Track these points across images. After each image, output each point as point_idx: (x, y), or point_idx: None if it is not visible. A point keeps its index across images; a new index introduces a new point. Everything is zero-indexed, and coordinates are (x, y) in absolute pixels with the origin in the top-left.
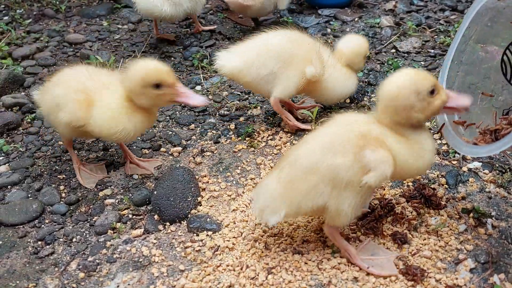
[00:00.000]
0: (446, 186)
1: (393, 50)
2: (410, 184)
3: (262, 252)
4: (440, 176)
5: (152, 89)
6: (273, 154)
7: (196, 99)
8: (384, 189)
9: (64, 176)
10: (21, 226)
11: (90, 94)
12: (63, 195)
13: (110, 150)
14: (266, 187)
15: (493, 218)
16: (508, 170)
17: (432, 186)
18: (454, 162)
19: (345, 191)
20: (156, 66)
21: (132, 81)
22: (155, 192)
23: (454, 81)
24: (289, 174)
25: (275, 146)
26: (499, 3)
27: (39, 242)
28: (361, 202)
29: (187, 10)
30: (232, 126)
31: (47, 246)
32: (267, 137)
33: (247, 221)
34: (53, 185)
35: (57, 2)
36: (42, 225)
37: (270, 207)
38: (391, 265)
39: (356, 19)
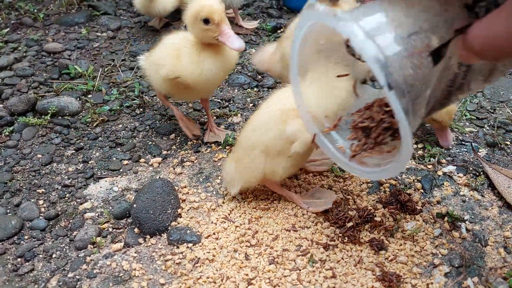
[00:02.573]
0: (422, 190)
1: None
2: (387, 190)
3: (242, 263)
4: (415, 180)
5: (202, 23)
6: None
7: (234, 43)
8: (362, 197)
9: (43, 190)
10: (0, 243)
11: (180, 51)
12: (43, 209)
13: (89, 162)
14: (227, 166)
15: (467, 221)
16: (481, 173)
17: (408, 191)
18: (430, 166)
19: (278, 158)
20: (209, 3)
21: (188, 15)
22: (134, 205)
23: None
24: (238, 153)
25: None
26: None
27: (19, 259)
28: (296, 163)
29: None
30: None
31: (27, 263)
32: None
33: (227, 231)
34: (32, 200)
35: (35, 10)
36: (22, 242)
37: (230, 182)
38: (329, 202)
39: None
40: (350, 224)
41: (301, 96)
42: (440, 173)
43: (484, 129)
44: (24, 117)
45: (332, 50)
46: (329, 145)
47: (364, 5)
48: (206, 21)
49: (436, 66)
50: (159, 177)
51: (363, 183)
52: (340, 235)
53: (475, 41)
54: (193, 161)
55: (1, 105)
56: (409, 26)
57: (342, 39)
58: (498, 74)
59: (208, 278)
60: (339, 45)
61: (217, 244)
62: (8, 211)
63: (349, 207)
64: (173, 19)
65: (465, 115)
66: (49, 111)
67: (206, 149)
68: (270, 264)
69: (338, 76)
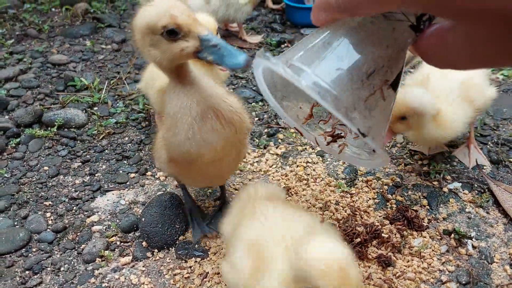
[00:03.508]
0: (428, 207)
1: None
2: (394, 206)
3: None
4: (421, 197)
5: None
6: (259, 177)
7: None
8: (369, 213)
9: (50, 202)
10: (8, 256)
11: None
12: (50, 222)
13: (96, 175)
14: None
15: (473, 238)
16: (486, 190)
17: (414, 207)
18: (435, 183)
19: None
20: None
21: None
22: (143, 219)
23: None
24: None
25: (260, 170)
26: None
27: (27, 272)
28: None
29: (225, 17)
30: None
31: (35, 276)
32: (253, 159)
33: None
34: (40, 212)
35: (40, 22)
36: (30, 254)
37: None
38: None
39: None
40: (358, 240)
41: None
42: (445, 189)
43: (488, 146)
44: (30, 128)
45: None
46: (311, 132)
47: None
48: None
49: (396, 90)
50: (167, 191)
51: (370, 199)
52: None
53: (424, 55)
54: None
55: (7, 117)
56: (366, 68)
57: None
58: None
59: None
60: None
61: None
62: (15, 223)
63: (356, 223)
64: None
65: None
66: (55, 123)
67: None
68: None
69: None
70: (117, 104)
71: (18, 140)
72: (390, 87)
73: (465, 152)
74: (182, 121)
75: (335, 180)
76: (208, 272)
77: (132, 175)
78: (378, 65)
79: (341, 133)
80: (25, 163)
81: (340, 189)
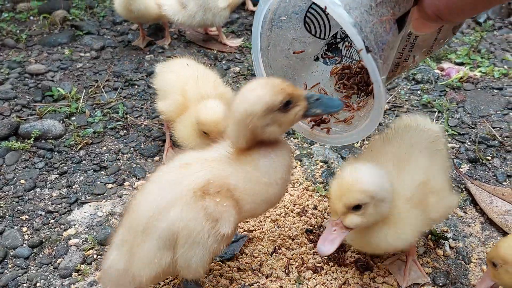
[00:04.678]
0: None
1: None
2: None
3: (227, 287)
4: None
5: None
6: None
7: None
8: None
9: (27, 216)
10: None
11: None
12: (26, 237)
13: (73, 186)
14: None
15: (450, 239)
16: (463, 189)
17: None
18: None
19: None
20: (207, 119)
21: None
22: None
23: (267, 55)
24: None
25: None
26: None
27: None
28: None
29: (203, 22)
30: None
31: None
32: None
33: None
34: (16, 227)
35: (18, 31)
36: (5, 270)
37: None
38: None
39: None
40: None
41: (262, 70)
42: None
43: (466, 145)
44: (7, 141)
45: (291, 29)
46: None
47: None
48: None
49: (400, 32)
50: None
51: None
52: (326, 257)
53: (429, 7)
54: None
55: None
56: None
57: (300, 18)
58: (438, 45)
59: None
60: (298, 22)
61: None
62: None
63: None
64: (156, 38)
65: (447, 131)
66: (32, 134)
67: None
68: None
69: (294, 53)
70: (95, 113)
71: None
72: (395, 22)
73: (399, 266)
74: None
75: (313, 185)
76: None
77: (110, 185)
78: None
79: (324, 118)
80: (1, 176)
81: (318, 193)
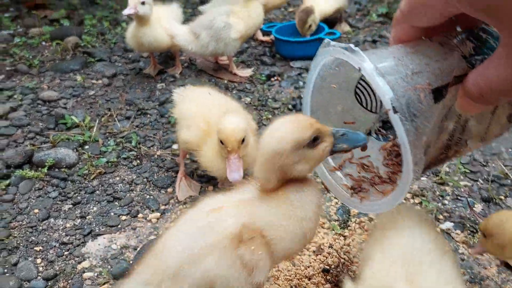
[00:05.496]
0: None
1: None
2: None
3: None
4: None
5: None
6: None
7: (233, 174)
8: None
9: (41, 247)
10: None
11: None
12: (40, 269)
13: (87, 217)
14: None
15: (467, 282)
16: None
17: None
18: None
19: None
20: (228, 128)
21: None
22: (135, 266)
23: (317, 118)
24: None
25: None
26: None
27: None
28: None
29: (214, 51)
30: (210, 187)
31: None
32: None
33: None
34: (30, 259)
35: (30, 57)
36: None
37: None
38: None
39: None
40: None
41: None
42: (438, 230)
43: (479, 183)
44: (21, 169)
45: (341, 97)
46: (334, 183)
47: (373, 50)
48: (221, 142)
49: (436, 104)
50: (158, 235)
51: (363, 241)
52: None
53: (472, 86)
54: None
55: None
56: (413, 67)
57: (352, 86)
58: (493, 133)
59: None
60: (349, 92)
61: None
62: (5, 270)
63: (348, 267)
64: (167, 66)
65: (460, 168)
66: (46, 163)
67: None
68: None
69: (345, 123)
70: (108, 142)
71: (8, 181)
72: (431, 92)
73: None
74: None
75: (328, 222)
76: None
77: (123, 217)
78: (424, 69)
79: (364, 188)
80: (15, 205)
81: (333, 231)
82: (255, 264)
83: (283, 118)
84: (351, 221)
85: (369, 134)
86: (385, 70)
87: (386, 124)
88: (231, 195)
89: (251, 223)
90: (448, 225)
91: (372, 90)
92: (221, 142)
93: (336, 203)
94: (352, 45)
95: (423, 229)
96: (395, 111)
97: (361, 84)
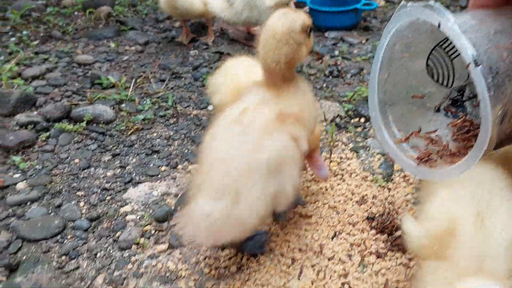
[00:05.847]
0: None
1: None
2: None
3: (288, 267)
4: None
5: None
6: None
7: (323, 171)
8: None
9: (83, 193)
10: (44, 241)
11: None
12: (84, 211)
13: (127, 167)
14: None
15: None
16: None
17: None
18: None
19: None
20: None
21: None
22: (178, 207)
23: (384, 89)
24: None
25: None
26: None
27: (63, 257)
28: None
29: (248, 20)
30: None
31: (72, 261)
32: None
33: (272, 236)
34: (73, 202)
35: (64, 25)
36: (65, 241)
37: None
38: None
39: (363, 41)
40: (399, 232)
41: (376, 104)
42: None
43: None
44: (60, 123)
45: (412, 69)
46: (400, 153)
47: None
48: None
49: None
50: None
51: (408, 194)
52: (389, 243)
53: None
54: None
55: (36, 112)
56: (496, 27)
57: (424, 57)
58: None
59: (256, 280)
60: (420, 64)
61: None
62: (49, 211)
63: (395, 216)
64: (199, 35)
65: None
66: (84, 118)
67: None
68: (317, 272)
69: (413, 97)
70: (144, 102)
71: (48, 134)
72: None
73: None
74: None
75: (371, 175)
76: (245, 261)
77: (163, 168)
78: (507, 29)
79: (430, 155)
80: (55, 155)
81: (377, 184)
82: (299, 136)
83: (280, 10)
84: (395, 175)
85: (438, 110)
86: (466, 28)
87: (456, 102)
88: (245, 103)
89: (283, 110)
90: None
91: (446, 63)
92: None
93: (379, 158)
94: (431, 2)
95: (493, 168)
96: (477, 64)
97: (434, 56)
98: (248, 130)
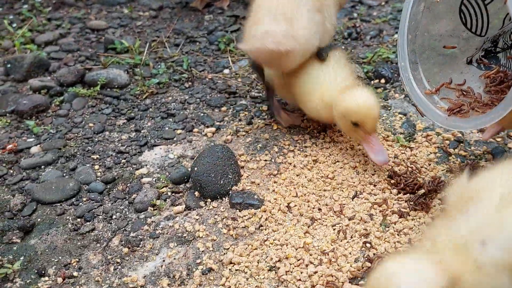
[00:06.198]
0: (494, 162)
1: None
2: (457, 160)
3: (309, 226)
4: (486, 152)
5: (350, 123)
6: (311, 134)
7: (379, 156)
8: (429, 167)
9: (98, 156)
10: (59, 204)
11: None
12: (99, 174)
13: (142, 131)
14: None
15: None
16: None
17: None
18: (499, 139)
19: None
20: (364, 108)
21: (339, 111)
22: (195, 168)
23: (415, 40)
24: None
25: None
26: None
27: (78, 219)
28: None
29: None
30: (265, 107)
31: (87, 223)
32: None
33: (290, 196)
34: (88, 165)
35: None
36: (80, 203)
37: None
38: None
39: (382, 3)
40: (422, 191)
41: (406, 53)
42: (510, 145)
43: None
44: (73, 87)
45: (443, 17)
46: (430, 105)
47: None
48: (356, 124)
49: None
50: (217, 144)
51: (431, 153)
52: (412, 202)
53: None
54: (248, 132)
55: (49, 77)
56: None
57: (456, 6)
58: None
59: (274, 240)
60: (452, 11)
61: (280, 208)
62: (64, 174)
63: (418, 175)
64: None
65: None
66: (98, 82)
67: (260, 120)
68: (338, 231)
69: (445, 47)
70: (159, 66)
71: (61, 98)
72: None
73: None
74: None
75: (392, 135)
76: (263, 221)
77: (179, 131)
78: None
79: (462, 106)
80: (69, 120)
81: (399, 144)
82: None
83: None
84: (417, 134)
85: (469, 62)
86: None
87: (489, 54)
88: None
89: None
90: None
91: (480, 10)
92: (355, 124)
93: (401, 118)
94: None
95: None
96: None
97: (468, 2)
98: None
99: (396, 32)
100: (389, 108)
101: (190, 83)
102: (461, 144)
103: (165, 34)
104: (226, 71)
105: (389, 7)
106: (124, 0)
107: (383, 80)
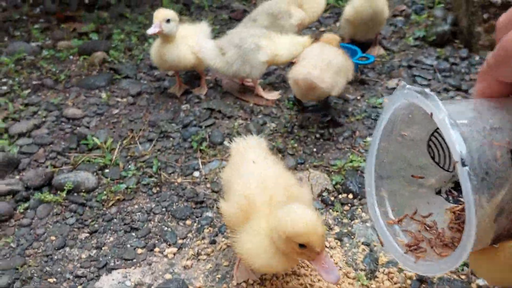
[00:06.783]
0: None
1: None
2: None
3: None
4: None
5: (296, 246)
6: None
7: (332, 275)
8: None
9: (55, 279)
10: None
11: None
12: None
13: (103, 248)
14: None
15: None
16: None
17: None
18: (463, 277)
19: None
20: (312, 228)
21: (278, 228)
22: None
23: (384, 165)
24: None
25: None
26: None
27: None
28: None
29: (238, 72)
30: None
31: None
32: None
33: None
34: None
35: (57, 71)
36: None
37: None
38: None
39: (358, 98)
40: None
41: (373, 183)
42: (474, 286)
43: None
44: (40, 192)
45: (411, 149)
46: (389, 236)
47: (451, 100)
48: (303, 245)
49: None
50: (173, 273)
51: None
52: None
53: None
54: (209, 254)
55: (18, 177)
56: (493, 122)
57: (426, 138)
58: None
59: None
60: (421, 144)
61: None
62: None
63: None
64: (192, 86)
65: None
66: (65, 187)
67: (223, 239)
68: None
69: (413, 176)
70: (129, 167)
71: (26, 204)
72: (510, 152)
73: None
74: None
75: (354, 271)
76: None
77: (140, 250)
78: (505, 126)
79: (421, 243)
80: (32, 231)
81: (359, 282)
82: None
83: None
84: (379, 271)
85: (438, 193)
86: (461, 120)
87: (459, 186)
88: None
89: None
90: (486, 282)
91: (447, 145)
92: (300, 245)
93: (363, 249)
94: (427, 90)
95: None
96: (464, 164)
97: (435, 137)
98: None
99: (370, 134)
100: (352, 237)
101: (158, 188)
102: (423, 284)
103: (140, 126)
104: (196, 173)
105: (365, 102)
106: (103, 83)
107: (350, 195)
